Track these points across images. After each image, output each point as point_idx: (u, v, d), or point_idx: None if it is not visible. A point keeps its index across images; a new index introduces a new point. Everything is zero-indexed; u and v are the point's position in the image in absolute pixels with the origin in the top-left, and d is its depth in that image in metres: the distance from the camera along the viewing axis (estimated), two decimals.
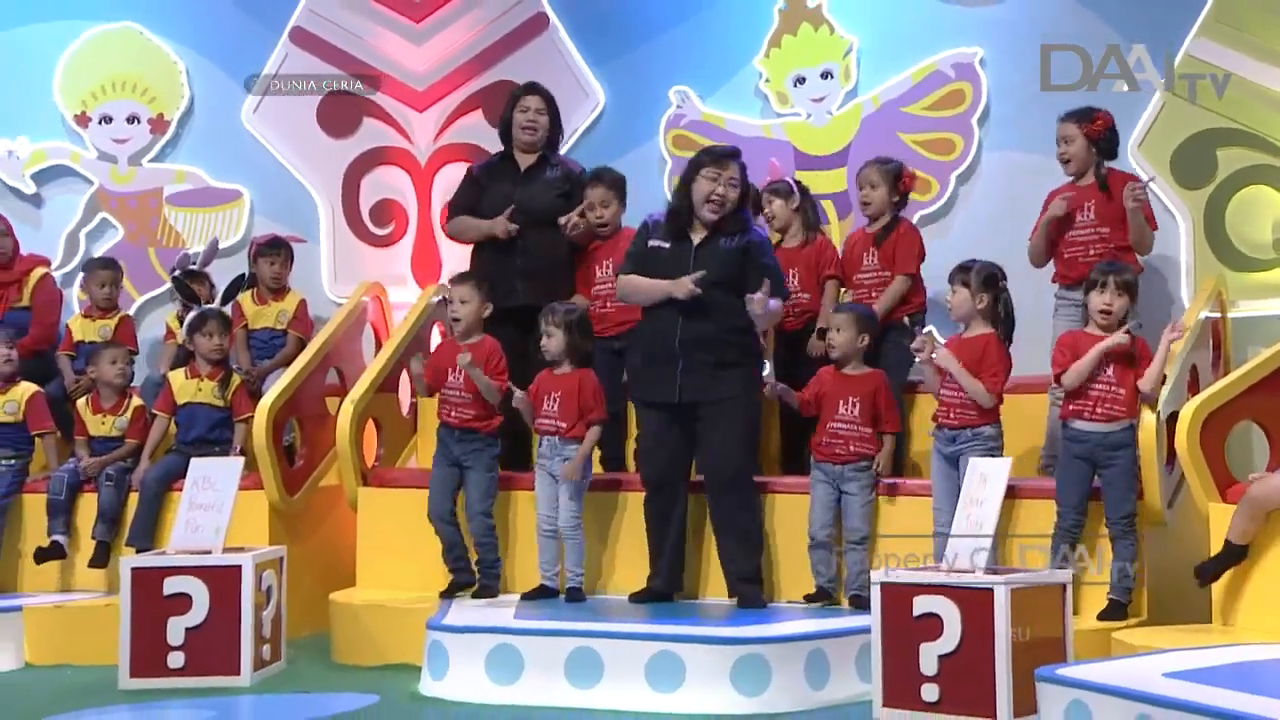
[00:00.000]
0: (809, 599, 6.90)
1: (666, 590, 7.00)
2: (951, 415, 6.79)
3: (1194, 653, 5.58)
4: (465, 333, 7.43)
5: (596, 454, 7.46)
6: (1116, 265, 6.83)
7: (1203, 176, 8.05)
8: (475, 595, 7.19)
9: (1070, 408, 6.65)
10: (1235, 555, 6.21)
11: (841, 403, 6.94)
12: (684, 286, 6.75)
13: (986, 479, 6.05)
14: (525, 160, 7.94)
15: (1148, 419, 6.63)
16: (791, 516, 7.09)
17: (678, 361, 6.84)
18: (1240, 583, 6.37)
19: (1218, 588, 6.48)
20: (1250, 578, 6.33)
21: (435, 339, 8.71)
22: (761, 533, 7.05)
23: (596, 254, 7.76)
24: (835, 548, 6.93)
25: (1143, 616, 6.60)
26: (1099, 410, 6.59)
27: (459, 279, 7.60)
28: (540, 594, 7.10)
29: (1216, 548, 6.45)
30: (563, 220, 7.69)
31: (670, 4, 9.02)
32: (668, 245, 6.95)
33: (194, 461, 7.25)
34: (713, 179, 6.88)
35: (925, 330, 7.37)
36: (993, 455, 6.61)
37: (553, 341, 7.20)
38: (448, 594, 7.21)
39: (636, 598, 6.99)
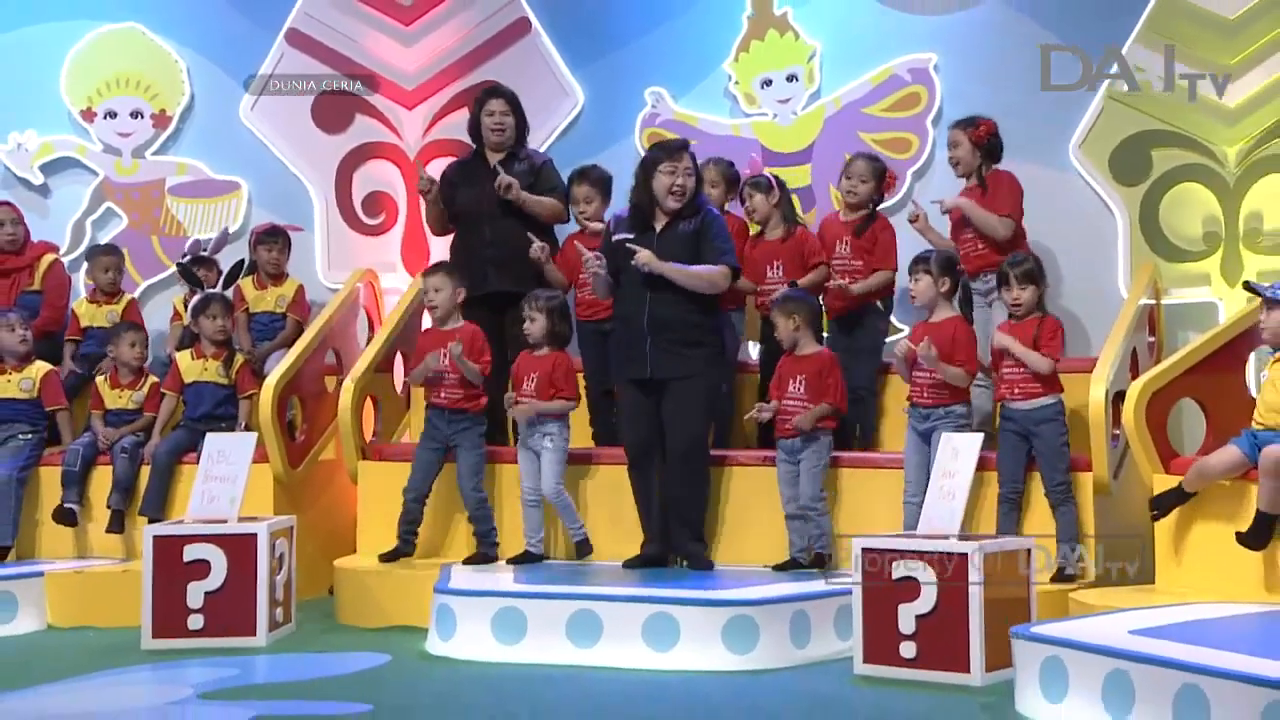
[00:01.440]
0: (779, 568, 6.93)
1: (659, 555, 7.02)
2: (925, 395, 6.85)
3: (1151, 611, 5.67)
4: (443, 318, 7.44)
5: (589, 430, 7.53)
6: (1017, 258, 6.90)
7: (1139, 174, 8.12)
8: (472, 561, 7.18)
9: (1000, 390, 6.79)
10: (1183, 497, 6.31)
11: (791, 381, 7.00)
12: (641, 256, 6.83)
13: (958, 452, 6.10)
14: (494, 158, 7.91)
15: (1096, 396, 6.73)
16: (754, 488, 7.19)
17: (646, 340, 6.91)
18: (1180, 547, 6.47)
19: (1160, 552, 6.57)
20: (1189, 543, 6.43)
21: (426, 323, 8.72)
22: (707, 500, 7.10)
23: (587, 247, 7.67)
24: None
25: (1091, 578, 6.67)
26: (1017, 390, 6.70)
27: (431, 270, 7.61)
28: (525, 559, 7.12)
29: (1164, 520, 6.53)
30: (531, 252, 7.66)
31: (645, 10, 9.01)
32: (632, 236, 7.00)
33: (209, 436, 7.22)
34: (670, 172, 6.97)
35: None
36: (963, 431, 6.68)
37: (535, 325, 7.22)
38: (389, 557, 7.20)
39: (630, 564, 7.00)
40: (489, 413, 7.45)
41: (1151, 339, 7.77)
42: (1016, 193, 7.43)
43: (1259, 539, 5.96)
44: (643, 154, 8.54)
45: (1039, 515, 6.72)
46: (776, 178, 8.00)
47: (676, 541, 7.01)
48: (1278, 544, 6.02)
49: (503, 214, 7.77)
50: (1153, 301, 7.78)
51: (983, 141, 7.47)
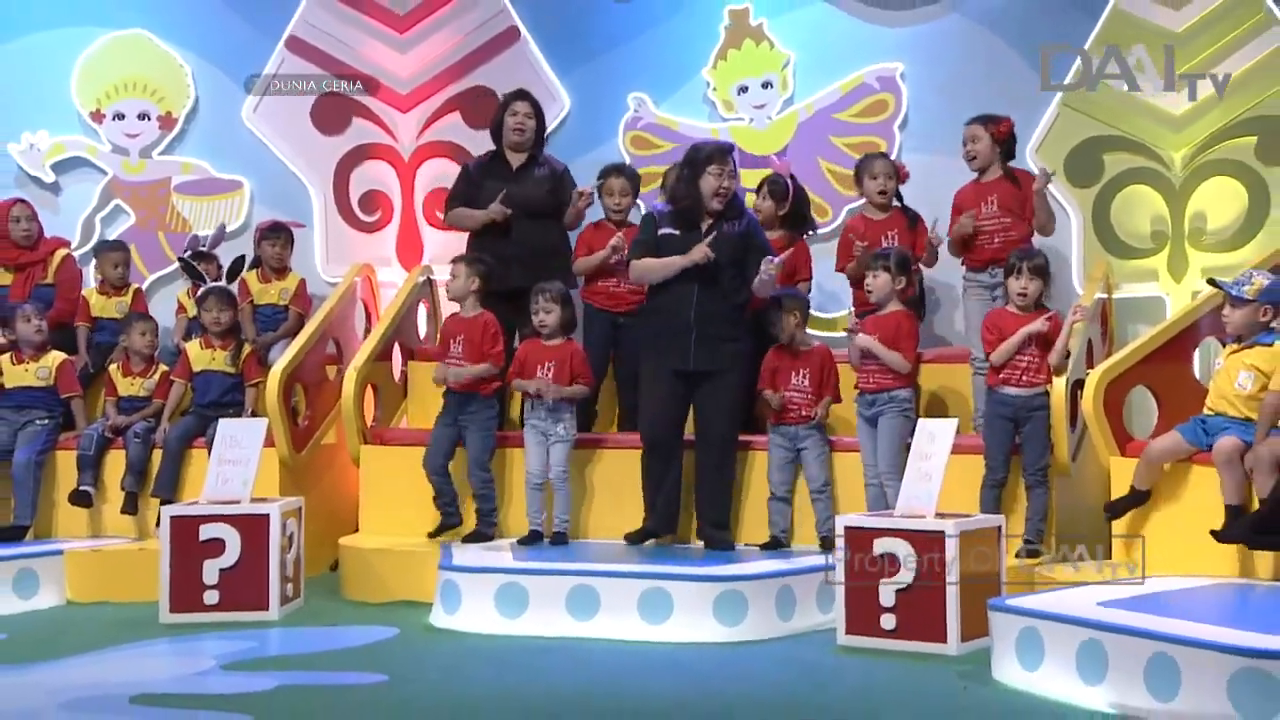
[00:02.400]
0: (764, 547, 6.96)
1: (658, 530, 7.01)
2: (870, 381, 6.91)
3: (1121, 585, 5.68)
4: (457, 302, 7.46)
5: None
6: (1030, 252, 6.96)
7: (1091, 177, 8.16)
8: (470, 539, 7.17)
9: (999, 376, 6.79)
10: (1139, 498, 6.33)
11: (794, 374, 7.02)
12: (701, 250, 6.80)
13: (934, 437, 6.11)
14: (516, 159, 7.90)
15: (1058, 386, 6.81)
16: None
17: (691, 332, 6.89)
18: (1136, 525, 6.45)
19: (1117, 529, 6.57)
20: (1143, 521, 6.42)
21: (421, 314, 8.75)
22: (733, 487, 7.13)
23: (608, 240, 7.71)
24: (792, 501, 7.03)
25: (1053, 554, 6.75)
26: (1024, 379, 6.75)
27: (455, 260, 7.60)
28: (530, 539, 7.11)
29: (1117, 495, 6.59)
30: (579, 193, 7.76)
31: (628, 20, 8.98)
32: (678, 233, 6.96)
33: (221, 422, 7.20)
34: (718, 174, 6.93)
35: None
36: (907, 415, 6.79)
37: (552, 316, 7.20)
38: (435, 534, 7.22)
39: (631, 538, 7.00)
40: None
41: (1104, 331, 7.81)
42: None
43: (1235, 533, 5.92)
44: (628, 156, 8.73)
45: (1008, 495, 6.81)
46: (798, 190, 7.89)
47: (701, 524, 7.02)
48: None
49: (525, 215, 7.76)
50: (1105, 296, 7.81)
51: (1003, 137, 7.42)
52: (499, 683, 5.38)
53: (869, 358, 6.92)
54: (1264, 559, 5.94)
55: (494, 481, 7.32)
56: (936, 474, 6.01)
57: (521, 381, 7.19)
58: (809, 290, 7.76)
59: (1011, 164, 7.52)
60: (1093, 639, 4.84)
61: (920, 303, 7.40)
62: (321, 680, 5.42)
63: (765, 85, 8.75)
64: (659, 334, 7.07)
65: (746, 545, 7.03)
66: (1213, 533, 5.96)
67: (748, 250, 6.93)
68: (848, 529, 5.94)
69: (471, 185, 7.94)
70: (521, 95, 7.97)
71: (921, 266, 7.57)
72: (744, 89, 8.79)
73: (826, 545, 6.79)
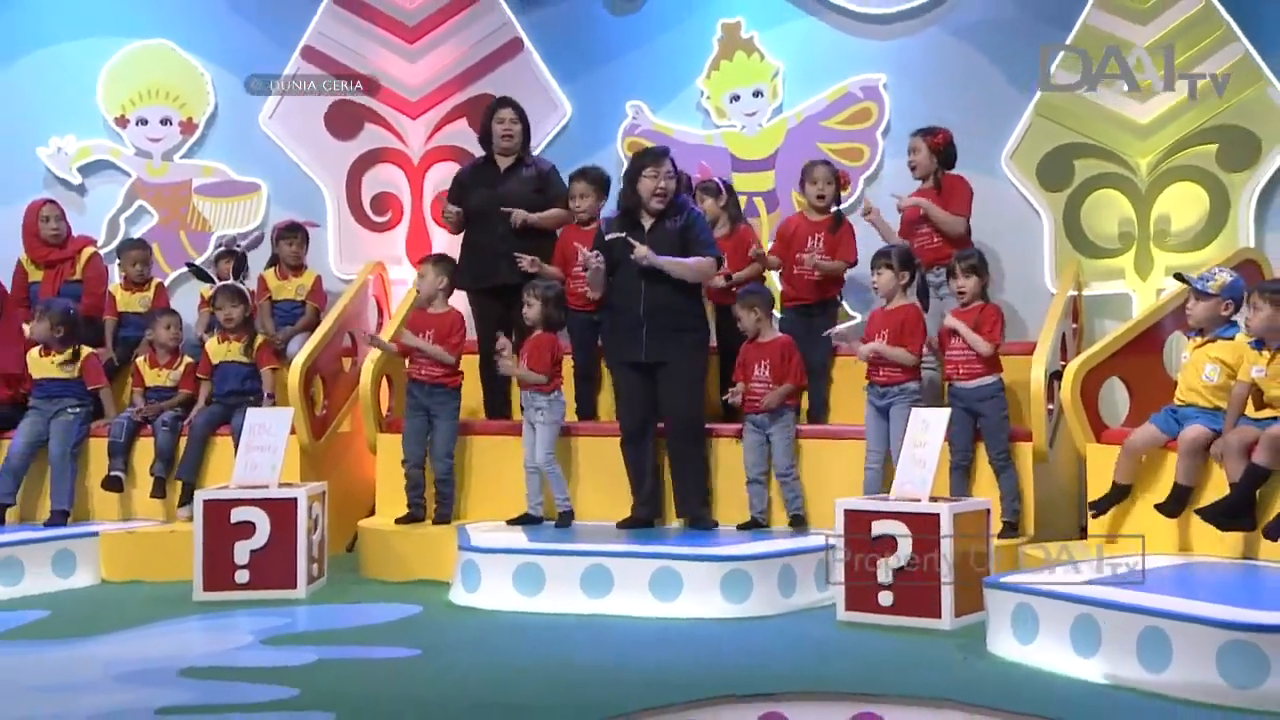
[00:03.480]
0: (741, 527, 6.97)
1: (648, 517, 7.04)
2: (881, 374, 6.92)
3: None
4: (426, 301, 7.51)
5: (571, 405, 7.55)
6: (965, 253, 7.03)
7: (1062, 181, 8.16)
8: (435, 522, 7.24)
9: (947, 370, 6.90)
10: (1122, 493, 6.35)
11: (756, 366, 7.05)
12: (639, 253, 6.82)
13: (928, 425, 6.15)
14: (504, 162, 7.90)
15: (1036, 376, 6.84)
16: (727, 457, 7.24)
17: (642, 326, 6.90)
18: (1117, 519, 6.47)
19: (1101, 527, 6.60)
20: (1124, 505, 6.43)
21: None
22: (708, 467, 7.13)
23: (579, 241, 7.63)
24: (767, 483, 7.05)
25: (1031, 534, 6.79)
26: (962, 371, 6.81)
27: (422, 260, 7.70)
28: (524, 520, 7.10)
29: (1093, 481, 6.64)
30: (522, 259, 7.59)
31: (626, 32, 8.99)
32: (623, 235, 6.96)
33: (250, 411, 7.19)
34: (653, 176, 6.94)
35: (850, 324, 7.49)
36: (916, 406, 6.76)
37: (531, 310, 7.25)
38: (404, 521, 7.24)
39: (623, 524, 6.99)
40: (494, 388, 7.63)
41: (1075, 326, 7.85)
42: (968, 195, 7.52)
43: (1176, 508, 6.05)
44: (626, 160, 8.71)
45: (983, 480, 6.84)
46: (724, 182, 7.99)
47: (683, 506, 7.02)
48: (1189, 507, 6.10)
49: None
50: (1076, 293, 7.84)
51: (939, 148, 7.55)
52: (524, 656, 5.38)
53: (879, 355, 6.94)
54: (1234, 540, 5.97)
55: (454, 469, 7.35)
56: (931, 460, 6.04)
57: (503, 361, 7.23)
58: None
59: (952, 172, 7.59)
60: (1086, 614, 4.86)
61: (925, 295, 7.41)
62: (358, 654, 5.41)
63: (756, 94, 8.76)
64: (613, 329, 7.12)
65: (726, 526, 7.02)
66: (1157, 506, 6.09)
67: (687, 244, 6.93)
68: (847, 512, 5.96)
69: (461, 188, 7.96)
70: (506, 102, 7.97)
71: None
72: (736, 98, 8.79)
73: (796, 524, 6.87)
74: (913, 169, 7.62)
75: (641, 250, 6.83)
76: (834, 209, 7.69)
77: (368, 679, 4.99)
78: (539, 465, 7.14)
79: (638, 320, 6.92)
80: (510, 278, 7.65)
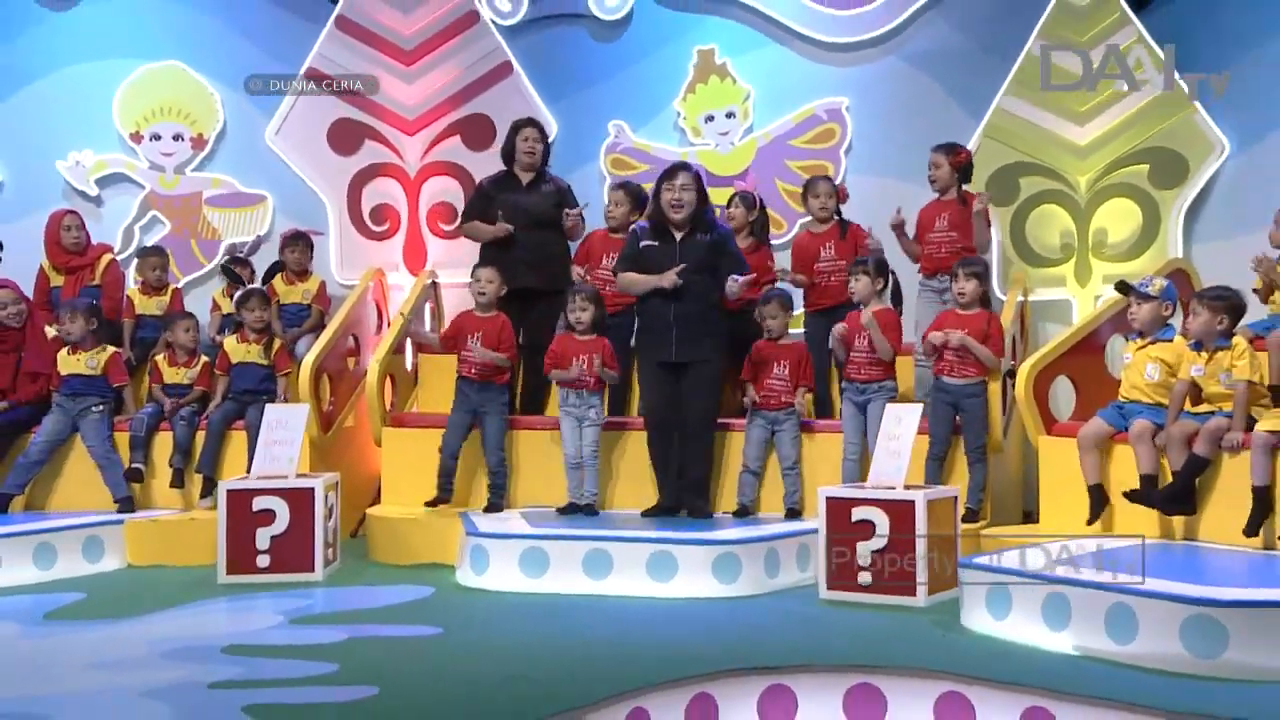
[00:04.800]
0: (735, 514, 7.00)
1: (673, 507, 7.00)
2: (861, 372, 6.96)
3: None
4: (488, 306, 7.42)
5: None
6: (969, 260, 7.07)
7: (1010, 197, 8.24)
8: (488, 510, 7.17)
9: (938, 366, 6.91)
10: (1101, 494, 6.32)
11: (775, 365, 7.06)
12: (669, 278, 6.85)
13: (901, 419, 6.21)
14: (525, 176, 7.91)
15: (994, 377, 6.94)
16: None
17: (672, 330, 6.92)
18: (1056, 495, 6.63)
19: (1044, 499, 6.73)
20: (1063, 491, 6.56)
21: (425, 313, 8.71)
22: (711, 464, 7.14)
23: (604, 247, 7.75)
24: (762, 476, 7.08)
25: (988, 520, 6.88)
26: (956, 370, 6.86)
27: (484, 264, 7.58)
28: (570, 510, 7.04)
29: (1044, 469, 6.73)
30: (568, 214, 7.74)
31: (609, 57, 8.99)
32: (656, 244, 7.00)
33: (268, 408, 7.16)
34: (669, 189, 6.97)
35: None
36: (893, 402, 6.82)
37: (587, 314, 7.17)
38: (431, 504, 7.16)
39: (649, 513, 6.97)
40: (527, 387, 7.62)
41: (1022, 329, 7.95)
42: (988, 213, 7.56)
43: (1145, 499, 6.08)
44: (608, 175, 8.78)
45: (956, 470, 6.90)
46: (760, 199, 7.98)
47: (684, 496, 7.01)
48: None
49: (534, 225, 7.78)
50: (1022, 299, 7.94)
51: (962, 164, 7.53)
52: (539, 633, 5.39)
53: (857, 351, 6.95)
54: (1178, 522, 6.08)
55: (506, 460, 7.32)
56: (905, 451, 6.10)
57: (560, 372, 7.16)
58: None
59: (965, 188, 7.61)
60: (1057, 591, 4.93)
61: (898, 300, 7.47)
62: (384, 632, 5.38)
63: (729, 115, 8.80)
64: (646, 331, 7.11)
65: (722, 514, 7.06)
66: (1125, 494, 6.14)
67: (719, 257, 6.97)
68: (829, 499, 6.01)
69: (485, 199, 7.95)
70: (531, 122, 8.00)
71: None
72: (710, 118, 8.83)
73: (792, 514, 6.90)
74: (933, 182, 7.55)
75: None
76: (837, 218, 7.72)
77: (399, 655, 4.97)
78: (584, 460, 7.09)
79: (668, 324, 6.94)
80: (529, 281, 7.69)
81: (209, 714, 4.16)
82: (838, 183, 8.02)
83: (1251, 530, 5.74)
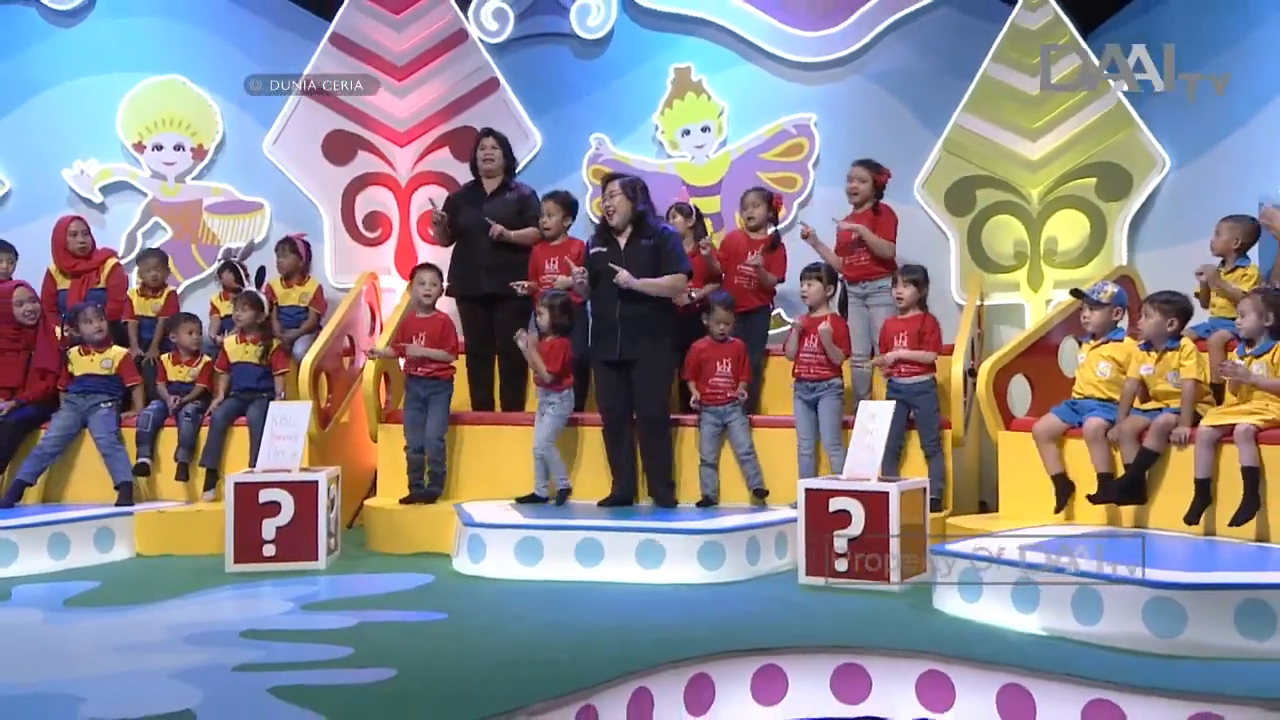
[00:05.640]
0: (700, 504, 7.04)
1: (625, 497, 7.06)
2: (810, 372, 7.03)
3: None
4: (419, 307, 7.51)
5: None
6: (910, 267, 7.16)
7: (966, 208, 8.33)
8: (425, 498, 7.21)
9: (889, 369, 7.00)
10: (1065, 483, 6.38)
11: (719, 363, 7.13)
12: (620, 278, 6.89)
13: (875, 415, 6.27)
14: (489, 185, 7.92)
15: (955, 374, 6.99)
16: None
17: (618, 330, 6.96)
18: (1015, 485, 6.69)
19: (1004, 489, 6.78)
20: (1021, 482, 6.63)
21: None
22: (673, 453, 7.17)
23: (547, 255, 7.74)
24: (718, 467, 7.12)
25: (950, 509, 6.96)
26: (903, 370, 6.94)
27: (425, 267, 7.68)
28: (529, 500, 7.10)
29: (1004, 461, 6.78)
30: (516, 285, 7.58)
31: (590, 74, 8.99)
32: (605, 249, 7.05)
33: (273, 405, 7.16)
34: (603, 199, 7.10)
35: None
36: (840, 398, 6.93)
37: (543, 318, 7.24)
38: (407, 501, 7.21)
39: (604, 503, 7.02)
40: (505, 389, 7.64)
41: (979, 331, 8.00)
42: (896, 223, 7.64)
43: (1106, 496, 6.15)
44: (590, 185, 8.80)
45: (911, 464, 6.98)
46: (696, 208, 8.09)
47: (649, 485, 7.04)
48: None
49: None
50: (979, 303, 8.00)
51: (883, 183, 7.66)
52: (539, 617, 5.39)
53: (806, 351, 7.01)
54: (1127, 511, 6.17)
55: (445, 450, 7.33)
56: (877, 445, 6.16)
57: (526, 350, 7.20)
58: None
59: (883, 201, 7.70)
60: (1026, 576, 4.98)
61: (844, 307, 7.55)
62: (393, 617, 5.37)
63: (704, 129, 8.83)
64: (595, 332, 7.17)
65: (685, 504, 7.09)
66: (1089, 497, 6.20)
67: (659, 259, 6.99)
68: (808, 490, 6.05)
69: (453, 207, 7.97)
70: (488, 132, 8.03)
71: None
72: (686, 132, 8.85)
73: (759, 496, 6.96)
74: (852, 194, 7.66)
75: (623, 275, 6.86)
76: (771, 230, 7.78)
77: (410, 639, 4.96)
78: (539, 451, 7.12)
79: (614, 324, 6.98)
80: (490, 287, 7.70)
81: (237, 695, 4.14)
82: (775, 194, 8.06)
83: (1193, 518, 5.83)
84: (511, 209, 7.86)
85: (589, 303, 7.26)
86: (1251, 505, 5.62)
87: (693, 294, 7.42)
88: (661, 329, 7.06)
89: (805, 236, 7.72)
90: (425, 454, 7.30)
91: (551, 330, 7.24)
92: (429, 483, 7.27)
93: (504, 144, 8.00)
